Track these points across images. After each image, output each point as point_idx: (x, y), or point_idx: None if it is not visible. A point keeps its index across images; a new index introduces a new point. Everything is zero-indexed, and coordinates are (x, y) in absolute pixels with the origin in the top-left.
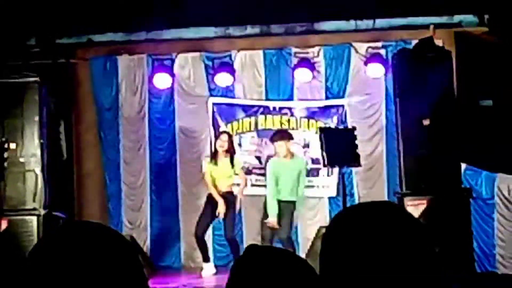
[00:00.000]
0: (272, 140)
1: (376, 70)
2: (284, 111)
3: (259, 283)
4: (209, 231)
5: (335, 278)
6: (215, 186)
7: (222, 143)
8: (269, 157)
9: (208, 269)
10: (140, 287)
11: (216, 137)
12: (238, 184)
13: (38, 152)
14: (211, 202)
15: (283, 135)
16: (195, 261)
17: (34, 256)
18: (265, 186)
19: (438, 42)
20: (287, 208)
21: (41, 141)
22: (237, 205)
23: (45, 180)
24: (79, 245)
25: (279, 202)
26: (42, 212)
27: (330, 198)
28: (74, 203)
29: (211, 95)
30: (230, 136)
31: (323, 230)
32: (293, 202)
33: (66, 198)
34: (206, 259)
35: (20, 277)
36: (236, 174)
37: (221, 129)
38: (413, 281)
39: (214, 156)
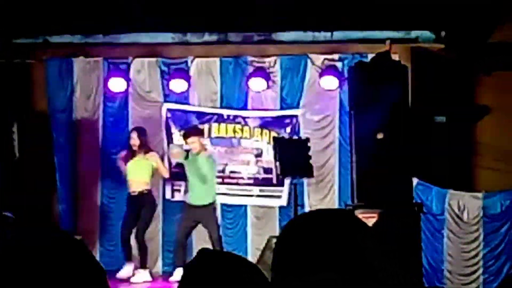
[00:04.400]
0: (184, 136)
1: (330, 82)
2: (238, 119)
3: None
4: (159, 236)
5: (287, 285)
6: (130, 186)
7: (133, 141)
8: (222, 164)
9: (126, 270)
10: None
11: (128, 137)
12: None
13: None
14: (133, 202)
15: (194, 131)
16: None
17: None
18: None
19: (395, 57)
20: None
21: None
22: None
23: None
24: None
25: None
26: None
27: (280, 208)
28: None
29: (166, 101)
30: (139, 133)
31: (273, 240)
32: (204, 206)
33: (17, 199)
34: (128, 258)
35: None
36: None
37: (173, 136)
38: None
39: (131, 155)
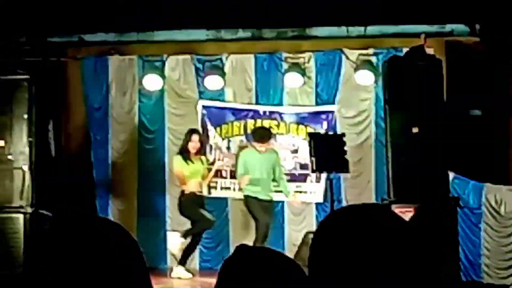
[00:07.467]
0: (255, 140)
1: (366, 77)
2: (273, 115)
3: (248, 283)
4: None
5: (324, 279)
6: (185, 185)
7: (195, 145)
8: None
9: (177, 271)
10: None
11: (188, 139)
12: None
13: (27, 150)
14: (188, 202)
15: (265, 136)
16: None
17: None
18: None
19: (429, 51)
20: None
21: (30, 139)
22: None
23: (32, 178)
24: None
25: (257, 200)
26: (29, 210)
27: (317, 204)
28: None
29: (201, 98)
30: (201, 136)
31: (310, 236)
32: (268, 202)
33: (54, 197)
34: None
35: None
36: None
37: (209, 133)
38: (402, 284)
39: (186, 155)
